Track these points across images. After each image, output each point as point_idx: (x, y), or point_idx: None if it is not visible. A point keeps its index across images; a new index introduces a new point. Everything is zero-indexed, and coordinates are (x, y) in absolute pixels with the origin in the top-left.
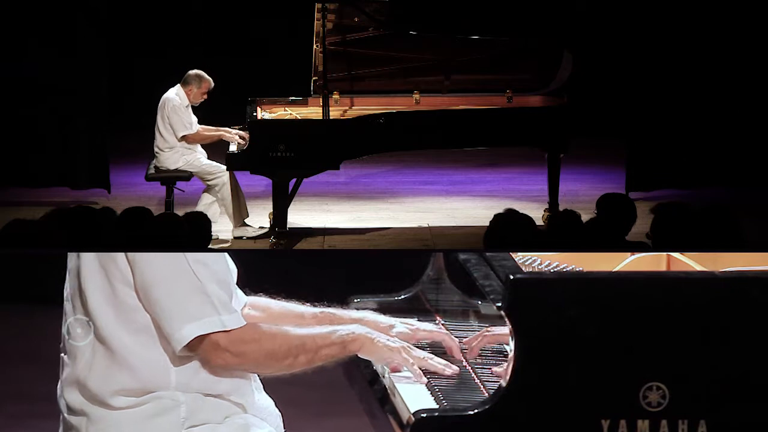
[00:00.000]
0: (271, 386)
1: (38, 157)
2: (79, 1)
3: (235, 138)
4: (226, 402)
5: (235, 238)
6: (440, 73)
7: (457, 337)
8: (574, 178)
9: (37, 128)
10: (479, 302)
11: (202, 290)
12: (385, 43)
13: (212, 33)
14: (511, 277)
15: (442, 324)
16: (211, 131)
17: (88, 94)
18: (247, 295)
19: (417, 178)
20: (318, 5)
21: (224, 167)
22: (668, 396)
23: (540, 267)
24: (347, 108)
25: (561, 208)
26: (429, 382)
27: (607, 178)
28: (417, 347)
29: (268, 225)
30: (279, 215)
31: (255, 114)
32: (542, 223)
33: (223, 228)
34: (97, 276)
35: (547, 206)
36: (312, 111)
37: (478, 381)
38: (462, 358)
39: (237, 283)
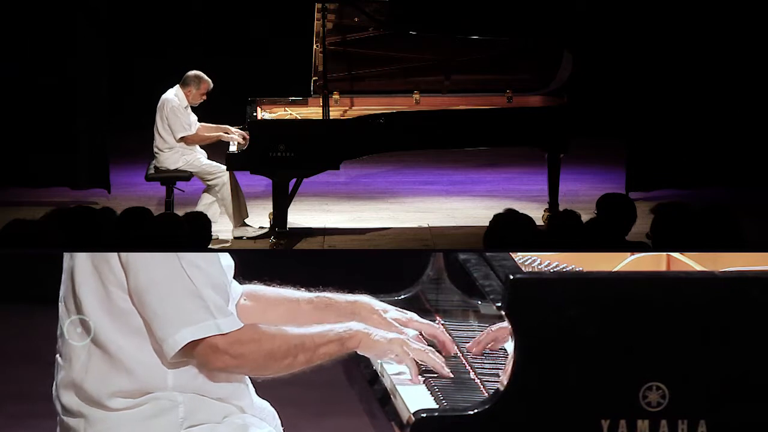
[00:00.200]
0: (270, 386)
1: (38, 157)
2: (79, 1)
3: (234, 137)
4: (224, 403)
5: (235, 238)
6: (440, 73)
7: (457, 337)
8: (574, 178)
9: (37, 128)
10: (479, 302)
11: (197, 294)
12: (385, 43)
13: (212, 33)
14: (511, 277)
15: (442, 324)
16: (211, 131)
17: (88, 94)
18: (241, 284)
19: (417, 178)
20: (318, 5)
21: (224, 167)
22: (668, 396)
23: (540, 267)
24: (347, 108)
25: (561, 208)
26: (429, 381)
27: (607, 178)
28: None
29: (268, 225)
30: (279, 215)
31: (255, 114)
32: (542, 223)
33: (223, 228)
34: (90, 278)
35: (547, 206)
36: (312, 111)
37: (478, 381)
38: (455, 352)
39: (233, 277)
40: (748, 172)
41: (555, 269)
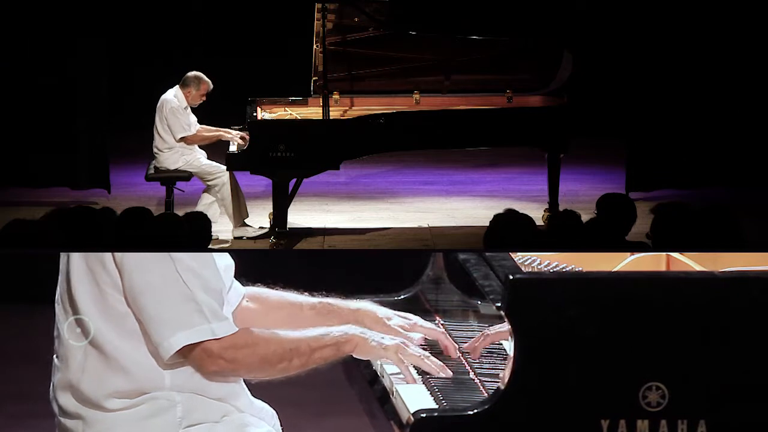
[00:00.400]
0: (270, 386)
1: (38, 157)
2: (79, 1)
3: (234, 138)
4: (222, 402)
5: (235, 238)
6: (440, 73)
7: (456, 337)
8: (574, 178)
9: (37, 128)
10: (479, 302)
11: (192, 298)
12: (385, 43)
13: (212, 33)
14: (511, 277)
15: (442, 324)
16: (211, 131)
17: (88, 94)
18: (244, 286)
19: (417, 178)
20: (318, 5)
21: (224, 167)
22: (668, 396)
23: (540, 267)
24: (347, 108)
25: (561, 208)
26: (428, 382)
27: (607, 178)
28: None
29: (268, 225)
30: (279, 215)
31: (255, 114)
32: (542, 223)
33: (223, 228)
34: (85, 280)
35: (547, 206)
36: (312, 111)
37: (478, 381)
38: (458, 356)
39: (234, 276)
40: (748, 172)
41: (555, 269)
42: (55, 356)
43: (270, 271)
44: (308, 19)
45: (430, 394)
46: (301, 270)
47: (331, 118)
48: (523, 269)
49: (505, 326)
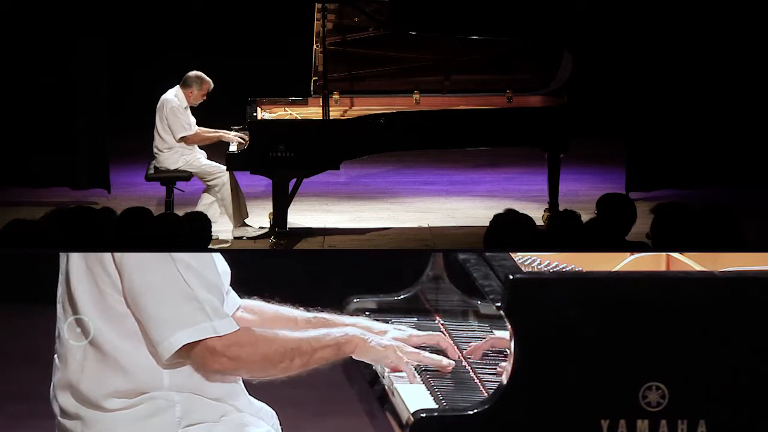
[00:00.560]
0: (270, 386)
1: (38, 157)
2: (79, 1)
3: (234, 139)
4: (221, 402)
5: (235, 238)
6: (440, 73)
7: (456, 337)
8: (574, 178)
9: (37, 128)
10: (479, 302)
11: (193, 297)
12: (385, 43)
13: (212, 33)
14: (511, 277)
15: (442, 324)
16: (210, 132)
17: (88, 94)
18: (240, 298)
19: (417, 178)
20: (318, 5)
21: (224, 167)
22: (668, 396)
23: (540, 267)
24: (347, 108)
25: (561, 208)
26: (428, 382)
27: (607, 178)
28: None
29: (268, 225)
30: (279, 215)
31: (255, 114)
32: (542, 223)
33: (223, 228)
34: (85, 280)
35: (547, 206)
36: (312, 111)
37: (478, 381)
38: (458, 357)
39: (231, 285)
40: (748, 172)
41: (555, 269)
42: (56, 356)
43: (270, 271)
44: (308, 19)
45: (430, 394)
46: (301, 270)
47: (331, 118)
48: (523, 269)
49: (507, 333)
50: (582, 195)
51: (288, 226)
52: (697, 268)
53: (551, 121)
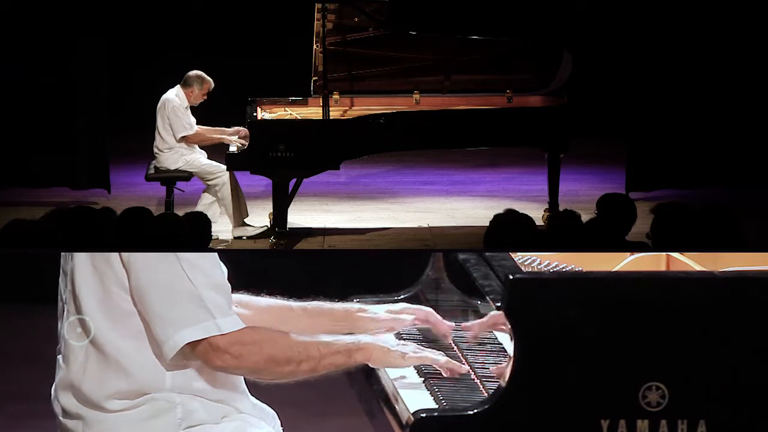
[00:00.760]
0: (270, 387)
1: (38, 157)
2: (79, 1)
3: (235, 141)
4: (222, 404)
5: (235, 238)
6: (440, 73)
7: (456, 337)
8: (574, 178)
9: (37, 128)
10: (479, 302)
11: (197, 295)
12: (385, 43)
13: (212, 33)
14: (511, 277)
15: None
16: (211, 132)
17: (88, 94)
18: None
19: (417, 178)
20: (318, 5)
21: (224, 167)
22: (668, 396)
23: (540, 267)
24: (347, 108)
25: (561, 208)
26: (428, 382)
27: (607, 178)
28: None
29: (268, 225)
30: (279, 215)
31: (255, 114)
32: (542, 223)
33: (223, 228)
34: (90, 279)
35: (547, 206)
36: (312, 111)
37: (478, 381)
38: (450, 329)
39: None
40: (748, 172)
41: (555, 269)
42: (59, 356)
43: (270, 271)
44: (308, 19)
45: (430, 394)
46: (301, 270)
47: (331, 118)
48: (523, 269)
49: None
50: (582, 195)
51: (288, 226)
52: (697, 268)
53: (551, 121)
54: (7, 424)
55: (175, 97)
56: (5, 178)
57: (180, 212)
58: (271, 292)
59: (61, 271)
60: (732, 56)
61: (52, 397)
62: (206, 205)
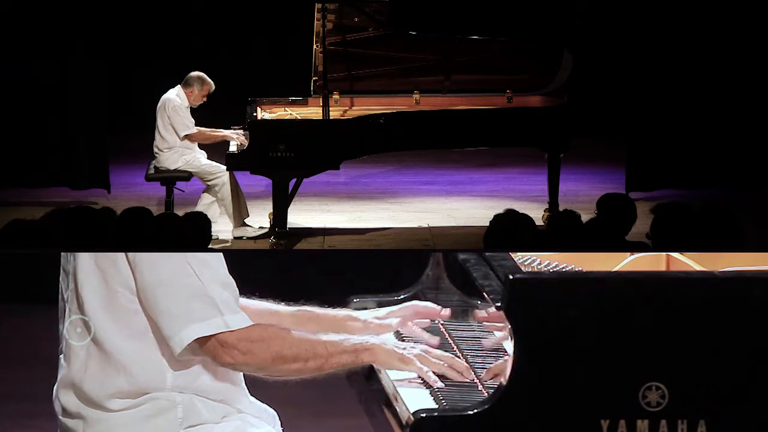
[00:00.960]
0: (270, 386)
1: (38, 157)
2: (79, 1)
3: (238, 136)
4: (223, 404)
5: (235, 238)
6: (440, 73)
7: (456, 337)
8: (574, 178)
9: (37, 128)
10: (479, 302)
11: (205, 292)
12: (385, 43)
13: (212, 33)
14: (511, 277)
15: (441, 324)
16: (214, 131)
17: (88, 94)
18: None
19: (417, 178)
20: (318, 5)
21: (224, 167)
22: (668, 396)
23: (540, 267)
24: (347, 108)
25: (561, 208)
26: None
27: (607, 178)
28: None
29: (268, 225)
30: (279, 215)
31: (255, 114)
32: (542, 223)
33: (223, 228)
34: (93, 279)
35: (547, 206)
36: (312, 111)
37: (478, 381)
38: (442, 313)
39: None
40: (748, 172)
41: (555, 269)
42: (61, 356)
43: (269, 271)
44: (308, 19)
45: (430, 394)
46: (300, 270)
47: (331, 118)
48: (523, 269)
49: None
50: (582, 195)
51: (288, 226)
52: (697, 268)
53: (551, 121)
54: (7, 424)
55: (175, 97)
56: (5, 178)
57: (180, 212)
58: (271, 293)
59: (61, 270)
60: (732, 56)
61: (53, 396)
62: (206, 205)
